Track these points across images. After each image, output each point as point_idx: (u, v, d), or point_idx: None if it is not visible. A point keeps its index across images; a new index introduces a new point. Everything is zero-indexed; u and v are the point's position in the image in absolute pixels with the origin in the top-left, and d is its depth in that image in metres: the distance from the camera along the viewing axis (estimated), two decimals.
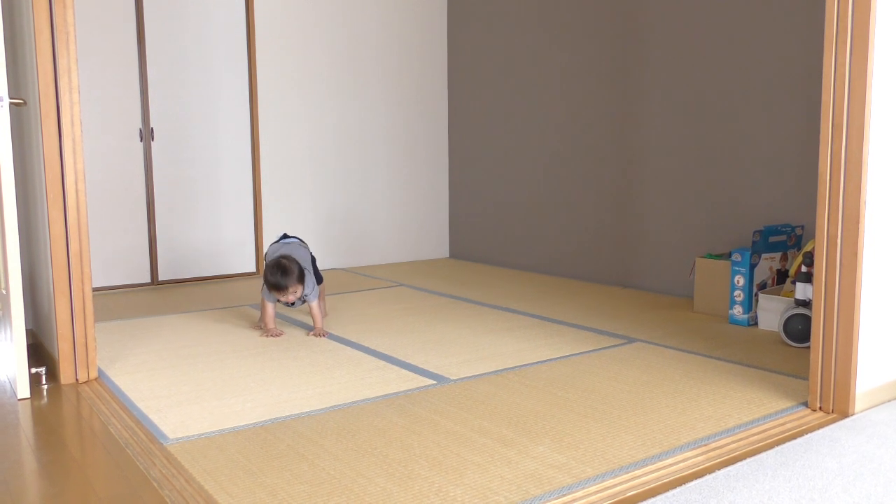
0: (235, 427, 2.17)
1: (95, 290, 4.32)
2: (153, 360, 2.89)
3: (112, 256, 4.40)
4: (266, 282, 3.20)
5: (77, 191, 2.62)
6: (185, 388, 2.54)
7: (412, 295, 4.20)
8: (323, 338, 3.21)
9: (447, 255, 5.73)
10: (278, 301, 3.25)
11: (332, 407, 2.34)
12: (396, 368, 2.76)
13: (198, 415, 2.28)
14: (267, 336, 3.25)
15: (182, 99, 4.54)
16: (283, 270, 3.15)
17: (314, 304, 3.28)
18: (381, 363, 2.83)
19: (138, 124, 4.43)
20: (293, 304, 3.31)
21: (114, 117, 4.35)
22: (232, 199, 4.77)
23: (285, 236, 3.49)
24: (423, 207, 5.57)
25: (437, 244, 5.67)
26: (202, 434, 2.12)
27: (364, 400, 2.40)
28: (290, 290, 3.17)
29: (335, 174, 5.12)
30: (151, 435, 2.12)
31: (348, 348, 3.04)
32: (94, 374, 2.70)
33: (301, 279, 3.19)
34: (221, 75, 4.66)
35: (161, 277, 4.57)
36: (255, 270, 4.87)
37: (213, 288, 4.48)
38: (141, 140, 4.44)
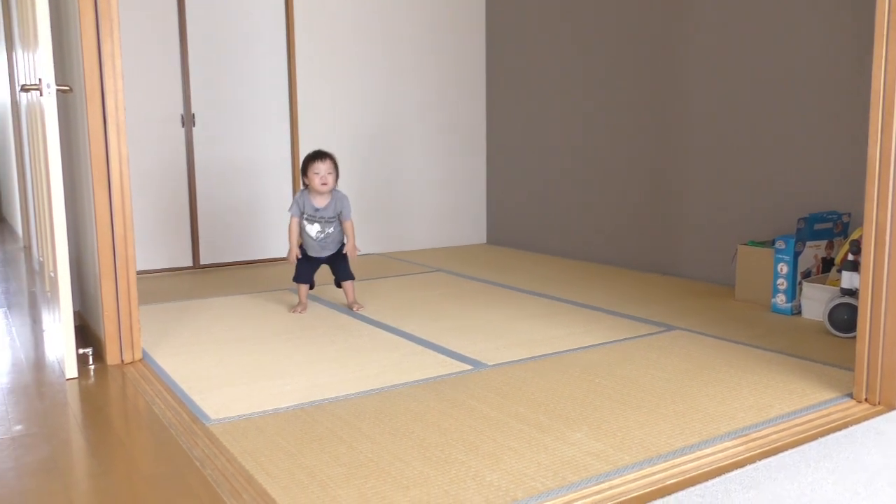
0: (275, 409, 2.20)
1: (139, 273, 4.41)
2: (195, 343, 2.95)
3: (155, 240, 4.49)
4: (304, 159, 3.33)
5: (121, 175, 2.67)
6: (226, 371, 2.58)
7: (449, 280, 4.21)
8: (355, 252, 3.39)
9: (484, 240, 5.72)
10: (307, 217, 3.31)
11: (369, 391, 2.36)
12: (433, 353, 2.77)
13: (238, 396, 2.32)
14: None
15: (222, 84, 4.59)
16: (319, 150, 3.34)
17: (349, 222, 3.38)
18: (419, 348, 2.84)
19: (180, 109, 4.49)
20: (323, 221, 3.32)
21: (156, 103, 4.42)
22: (271, 184, 4.81)
23: None
24: (460, 193, 5.56)
25: (474, 230, 5.66)
26: (243, 415, 2.16)
27: (401, 384, 2.42)
28: (329, 165, 3.28)
29: (373, 159, 5.14)
30: (194, 415, 2.17)
31: (385, 332, 3.06)
32: (138, 356, 2.76)
33: (337, 168, 3.32)
34: (261, 60, 4.69)
35: (203, 261, 4.64)
36: None
37: (252, 272, 4.54)
38: (182, 125, 4.51)
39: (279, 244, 4.87)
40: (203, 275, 4.47)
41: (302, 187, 3.40)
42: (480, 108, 5.56)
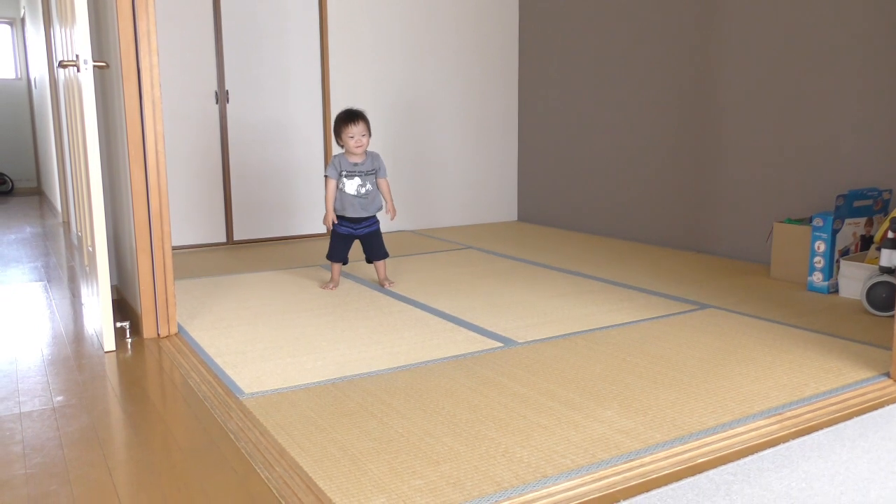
0: (307, 384, 2.23)
1: (175, 248, 4.48)
2: (229, 317, 2.99)
3: (190, 216, 4.54)
4: (336, 121, 3.32)
5: (157, 151, 2.70)
6: (260, 345, 2.62)
7: (480, 258, 4.21)
8: (393, 215, 3.44)
9: (515, 218, 5.70)
10: (345, 174, 3.31)
11: (400, 367, 2.38)
12: (464, 330, 2.77)
13: (271, 371, 2.35)
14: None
15: (256, 61, 4.61)
16: (351, 109, 3.34)
17: (384, 180, 3.41)
18: (449, 325, 2.85)
19: (214, 86, 4.52)
20: (363, 175, 3.34)
21: (191, 79, 4.45)
22: (303, 161, 4.84)
23: None
24: (492, 170, 5.54)
25: (505, 207, 5.64)
26: (276, 389, 2.19)
27: (432, 361, 2.43)
28: (362, 127, 3.28)
29: (405, 136, 5.13)
30: (228, 389, 2.20)
31: (416, 309, 3.07)
32: (174, 330, 2.81)
33: (369, 128, 3.34)
34: (294, 36, 4.70)
35: (236, 237, 4.69)
36: (325, 232, 4.95)
37: (285, 248, 4.58)
38: (216, 102, 4.54)
39: (312, 221, 4.90)
40: (236, 250, 4.52)
41: (336, 153, 3.41)
42: (513, 84, 5.51)
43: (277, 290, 3.46)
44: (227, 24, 4.50)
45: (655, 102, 4.42)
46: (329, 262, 3.55)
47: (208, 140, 4.55)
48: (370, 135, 3.35)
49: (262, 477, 1.67)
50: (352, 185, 3.35)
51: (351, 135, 3.27)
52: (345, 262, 3.51)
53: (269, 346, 2.61)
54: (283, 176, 4.78)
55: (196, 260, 4.23)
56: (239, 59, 4.56)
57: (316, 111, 4.83)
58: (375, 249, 3.49)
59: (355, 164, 3.34)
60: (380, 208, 3.45)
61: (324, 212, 3.67)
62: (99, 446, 1.85)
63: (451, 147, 5.32)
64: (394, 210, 3.45)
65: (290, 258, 4.23)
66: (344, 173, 3.34)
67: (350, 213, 3.39)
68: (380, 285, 3.50)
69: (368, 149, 3.40)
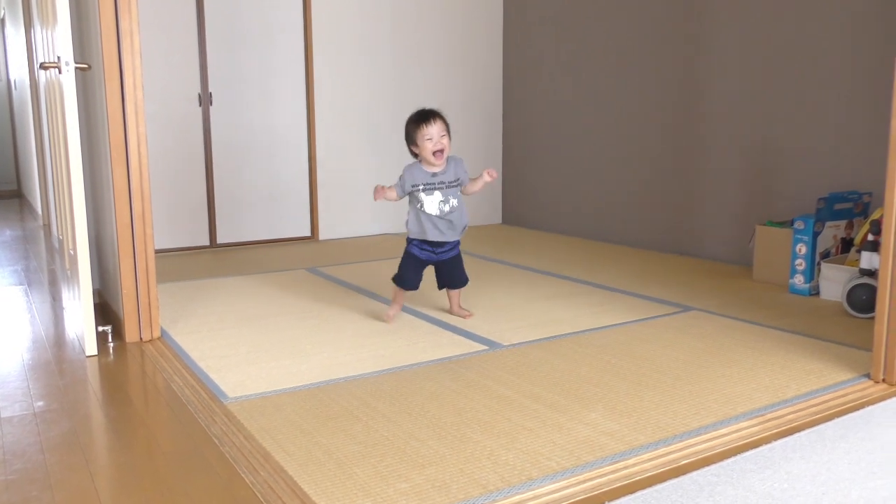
0: (292, 388, 2.22)
1: (157, 251, 4.44)
2: (213, 321, 2.97)
3: (173, 219, 4.51)
4: (407, 124, 2.80)
5: (139, 153, 2.68)
6: (244, 349, 2.61)
7: (464, 260, 4.20)
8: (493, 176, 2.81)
9: (500, 220, 5.71)
10: (426, 192, 2.73)
11: (385, 370, 2.37)
12: (449, 333, 2.77)
13: (256, 375, 2.34)
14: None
15: (239, 63, 4.59)
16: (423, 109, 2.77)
17: (470, 185, 2.86)
18: (434, 328, 2.85)
19: (197, 88, 4.50)
20: (444, 188, 2.75)
21: (174, 81, 4.43)
22: (288, 164, 4.82)
23: None
24: (476, 173, 5.52)
25: (489, 210, 5.65)
26: (260, 393, 2.18)
27: (417, 364, 2.43)
28: (441, 127, 2.73)
29: (390, 138, 5.12)
30: (212, 393, 2.19)
31: (401, 313, 3.07)
32: (157, 333, 2.79)
33: (449, 128, 2.76)
34: (278, 39, 4.68)
35: (220, 240, 4.67)
36: (309, 234, 4.94)
37: (269, 251, 4.56)
38: (200, 104, 4.51)
39: (294, 224, 4.89)
40: (220, 254, 4.50)
41: (409, 164, 2.81)
42: (497, 87, 5.52)
43: (262, 293, 3.44)
44: (211, 26, 4.47)
45: (640, 107, 4.45)
46: (395, 286, 2.94)
47: (192, 142, 4.53)
48: (450, 137, 2.79)
49: (247, 481, 1.66)
50: (432, 202, 2.76)
51: (428, 136, 2.72)
52: (415, 288, 2.96)
53: (253, 349, 2.60)
54: (266, 179, 4.76)
55: (179, 263, 4.20)
56: (223, 62, 4.54)
57: (300, 113, 4.82)
58: (455, 276, 2.93)
59: (434, 175, 2.77)
60: (466, 227, 2.91)
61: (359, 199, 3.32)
62: (80, 451, 1.84)
63: None
64: (490, 173, 2.84)
65: (274, 261, 4.22)
66: (421, 187, 2.75)
67: (432, 237, 2.81)
68: (449, 312, 3.02)
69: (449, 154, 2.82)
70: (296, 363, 2.45)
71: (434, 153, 2.72)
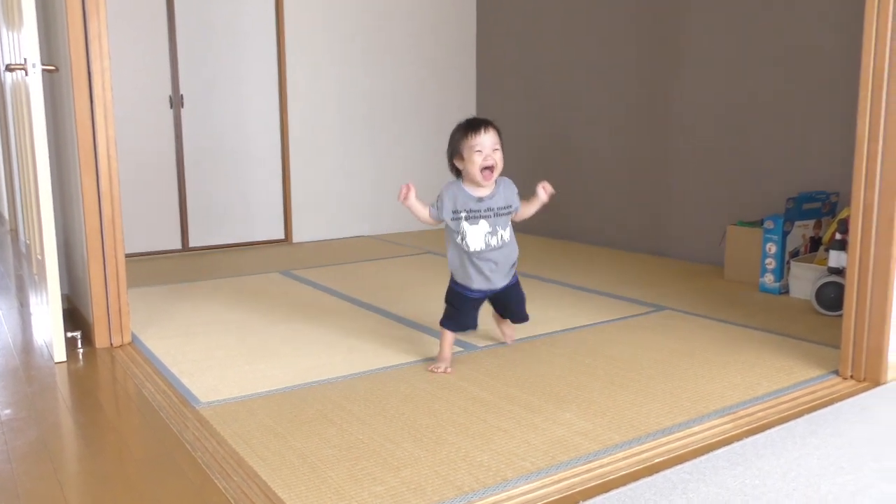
0: (265, 392, 2.21)
1: (128, 256, 4.39)
2: (185, 326, 2.94)
3: (144, 223, 4.46)
4: (453, 134, 2.30)
5: (109, 157, 2.64)
6: (217, 353, 2.58)
7: (438, 262, 4.21)
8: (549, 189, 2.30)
9: None
10: (470, 221, 2.22)
11: (359, 373, 2.36)
12: (423, 335, 2.77)
13: (229, 379, 2.32)
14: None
15: (211, 65, 4.55)
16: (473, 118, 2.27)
17: (524, 208, 2.35)
18: (408, 330, 2.84)
19: (168, 91, 4.45)
20: (492, 216, 2.24)
21: (144, 84, 4.38)
22: (261, 166, 4.79)
23: None
24: (449, 175, 5.53)
25: None
26: (233, 398, 2.16)
27: (391, 366, 2.42)
28: (493, 138, 2.25)
29: (364, 140, 5.11)
30: (184, 398, 2.16)
31: (375, 315, 3.06)
32: (127, 339, 2.75)
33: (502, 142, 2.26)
34: (250, 40, 4.65)
35: (192, 244, 4.62)
36: (283, 237, 4.91)
37: (242, 255, 4.52)
38: (171, 106, 4.47)
39: (270, 226, 4.85)
40: (193, 258, 4.45)
41: (449, 183, 2.29)
42: (470, 89, 5.53)
43: (235, 297, 3.41)
44: (182, 27, 4.43)
45: (614, 110, 4.48)
46: (441, 330, 2.40)
47: (163, 145, 4.48)
48: (503, 153, 2.27)
49: (220, 487, 1.64)
50: (477, 235, 2.24)
51: (478, 147, 2.20)
52: (474, 328, 2.49)
53: (226, 354, 2.58)
54: (239, 181, 4.72)
55: (151, 267, 4.15)
56: (194, 63, 4.50)
57: (273, 115, 4.79)
58: (513, 309, 2.49)
59: (480, 200, 2.25)
60: (515, 264, 2.42)
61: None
62: (49, 459, 1.81)
63: (409, 151, 5.31)
64: (548, 188, 2.36)
65: (247, 265, 4.18)
66: (464, 215, 2.23)
67: (476, 284, 2.31)
68: (500, 336, 2.65)
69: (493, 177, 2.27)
70: (269, 367, 2.43)
71: (483, 170, 2.20)
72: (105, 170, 2.64)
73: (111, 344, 2.72)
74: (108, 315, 2.71)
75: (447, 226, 2.30)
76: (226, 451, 1.81)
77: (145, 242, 4.48)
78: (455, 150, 2.26)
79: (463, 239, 2.25)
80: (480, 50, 5.46)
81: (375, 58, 5.08)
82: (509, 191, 2.32)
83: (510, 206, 2.31)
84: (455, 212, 2.25)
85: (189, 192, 4.57)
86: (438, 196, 2.28)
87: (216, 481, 1.67)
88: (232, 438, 1.88)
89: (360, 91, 5.06)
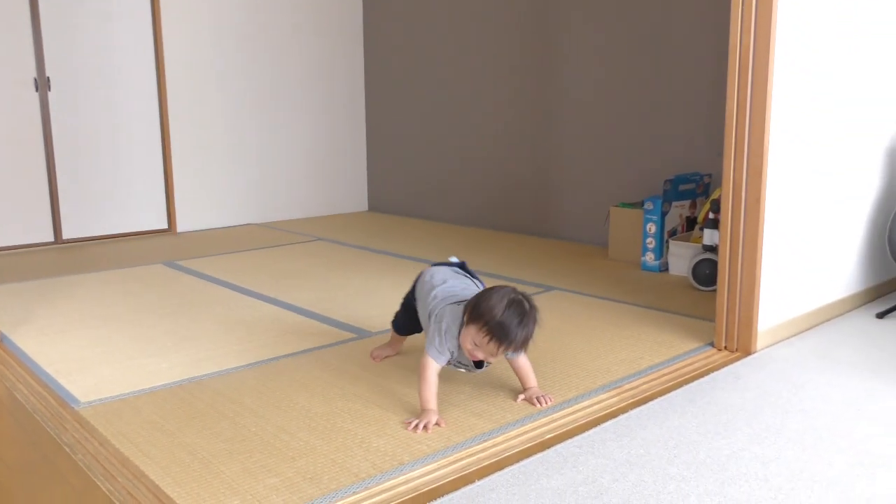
0: (151, 388, 2.12)
1: None
2: (61, 323, 2.78)
3: (10, 214, 4.17)
4: (480, 311, 1.83)
5: None
6: (97, 350, 2.46)
7: (330, 249, 4.16)
8: (546, 403, 1.98)
9: (366, 208, 5.68)
10: (454, 363, 2.00)
11: (251, 364, 2.31)
12: (316, 323, 2.74)
13: (111, 377, 2.21)
14: (420, 429, 1.84)
15: (80, 46, 4.28)
16: (521, 313, 1.84)
17: (521, 358, 2.03)
18: (301, 318, 2.80)
19: (32, 73, 4.16)
20: (474, 366, 2.00)
21: (4, 65, 4.08)
22: (139, 152, 4.57)
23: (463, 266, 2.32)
24: (340, 160, 5.48)
25: (355, 197, 5.61)
26: (116, 396, 2.06)
27: (284, 356, 2.38)
28: (503, 349, 1.86)
29: (249, 125, 4.96)
30: (61, 399, 2.05)
31: (267, 304, 3.00)
32: None
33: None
34: (124, 17, 4.41)
35: (66, 236, 4.36)
36: (166, 227, 4.71)
37: (122, 246, 4.32)
38: (36, 89, 4.18)
39: (148, 216, 4.64)
40: (67, 250, 4.21)
41: (455, 322, 1.91)
42: (359, 75, 5.47)
43: (115, 290, 3.25)
44: (46, 6, 4.15)
45: (499, 95, 4.55)
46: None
47: (29, 131, 4.19)
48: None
49: (104, 490, 1.57)
50: (457, 369, 2.06)
51: (479, 345, 1.85)
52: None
53: (107, 350, 2.46)
54: (116, 167, 4.49)
55: (21, 262, 3.89)
56: (61, 45, 4.22)
57: (151, 96, 4.57)
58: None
59: (474, 362, 1.99)
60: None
61: None
62: None
63: (298, 138, 5.21)
64: (536, 396, 2.00)
65: (128, 256, 3.99)
66: (453, 364, 2.01)
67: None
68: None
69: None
70: (154, 362, 2.33)
71: (474, 357, 1.92)
72: None
73: None
74: None
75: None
76: (109, 452, 1.73)
77: (13, 235, 4.19)
78: (472, 318, 1.85)
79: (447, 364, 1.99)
80: (367, 32, 5.40)
81: (259, 37, 4.94)
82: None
83: (489, 363, 2.05)
84: (449, 359, 1.97)
85: (60, 182, 4.30)
86: (439, 338, 1.93)
87: (100, 484, 1.59)
88: (115, 438, 1.79)
89: (246, 73, 4.90)
